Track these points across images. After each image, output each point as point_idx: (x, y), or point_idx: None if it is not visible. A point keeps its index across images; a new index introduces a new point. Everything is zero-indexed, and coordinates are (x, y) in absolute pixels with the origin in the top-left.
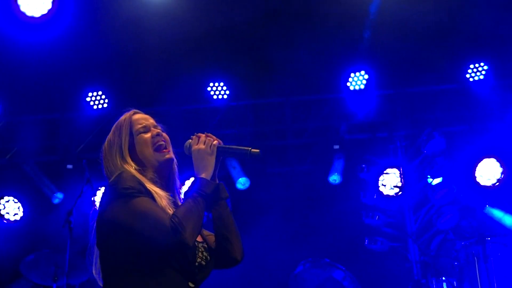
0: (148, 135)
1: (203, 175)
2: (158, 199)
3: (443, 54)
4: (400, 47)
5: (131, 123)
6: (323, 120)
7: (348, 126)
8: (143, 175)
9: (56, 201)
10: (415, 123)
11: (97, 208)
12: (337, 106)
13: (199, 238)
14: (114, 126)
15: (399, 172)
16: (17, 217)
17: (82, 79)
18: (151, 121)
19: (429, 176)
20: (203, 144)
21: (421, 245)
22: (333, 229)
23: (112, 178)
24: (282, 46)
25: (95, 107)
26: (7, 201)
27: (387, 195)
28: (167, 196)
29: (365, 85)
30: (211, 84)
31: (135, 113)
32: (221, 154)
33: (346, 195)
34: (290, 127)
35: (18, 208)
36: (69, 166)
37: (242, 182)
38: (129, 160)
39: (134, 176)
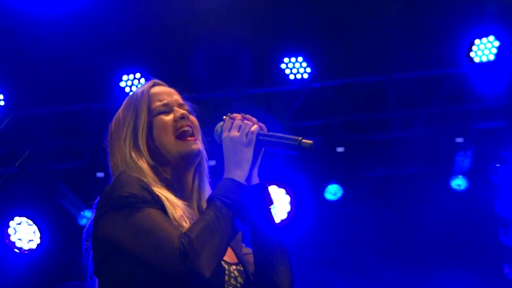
0: (169, 116)
1: (233, 175)
2: (170, 209)
3: None
4: None
5: (149, 98)
6: (439, 105)
7: (475, 111)
8: (157, 174)
9: (83, 221)
10: None
11: (89, 225)
12: (457, 85)
13: (231, 258)
14: (125, 101)
15: None
16: (33, 245)
17: (113, 59)
18: (176, 97)
19: None
20: (237, 129)
21: None
22: (458, 251)
23: (107, 186)
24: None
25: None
26: (19, 223)
27: None
28: (184, 206)
29: (496, 55)
30: (286, 60)
31: (155, 84)
32: (262, 145)
33: (475, 206)
34: (395, 114)
35: (34, 232)
36: (100, 174)
37: (333, 191)
38: (144, 149)
39: (136, 178)
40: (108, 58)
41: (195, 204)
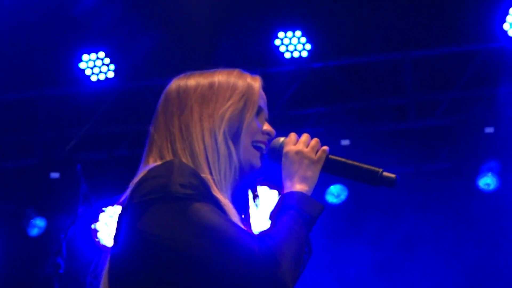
0: (266, 124)
1: (301, 189)
2: (229, 214)
3: None
4: None
5: (260, 97)
6: (465, 89)
7: (509, 95)
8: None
9: (34, 232)
10: None
11: (116, 241)
12: (488, 64)
13: None
14: (226, 76)
15: None
16: None
17: (71, 37)
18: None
19: None
20: (305, 145)
21: None
22: (487, 266)
23: (149, 170)
24: None
25: (93, 78)
26: None
27: None
28: (237, 215)
29: None
30: (281, 35)
31: (260, 82)
32: (328, 169)
33: (507, 210)
34: (413, 99)
35: None
36: (54, 175)
37: (335, 193)
38: (237, 147)
39: (196, 172)
40: (64, 35)
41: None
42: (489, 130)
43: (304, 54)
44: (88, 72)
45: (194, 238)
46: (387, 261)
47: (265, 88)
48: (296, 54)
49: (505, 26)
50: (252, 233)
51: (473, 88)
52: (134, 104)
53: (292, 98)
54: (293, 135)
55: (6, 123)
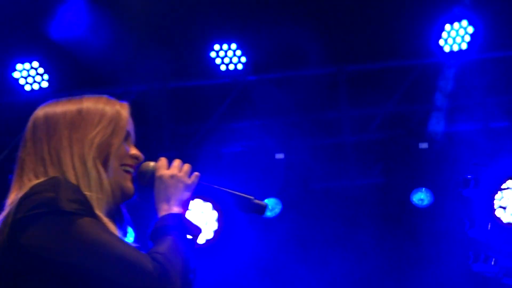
0: (133, 148)
1: (181, 211)
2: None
3: None
4: None
5: (127, 123)
6: (400, 102)
7: (443, 110)
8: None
9: None
10: None
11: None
12: (423, 79)
13: None
14: (95, 102)
15: None
16: None
17: (3, 43)
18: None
19: None
20: (179, 170)
21: None
22: (422, 279)
23: (34, 185)
24: None
25: (27, 87)
26: None
27: (508, 224)
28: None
29: (468, 43)
30: (217, 48)
31: (128, 108)
32: (200, 192)
33: (441, 225)
34: (347, 114)
35: None
36: None
37: (269, 206)
38: (103, 173)
39: (78, 188)
40: None
41: None
42: (424, 145)
43: (240, 66)
44: (22, 81)
45: (86, 253)
46: (316, 271)
47: (198, 100)
48: (231, 67)
49: (441, 42)
50: (139, 249)
51: (408, 103)
52: None
53: (227, 110)
54: (163, 160)
55: None
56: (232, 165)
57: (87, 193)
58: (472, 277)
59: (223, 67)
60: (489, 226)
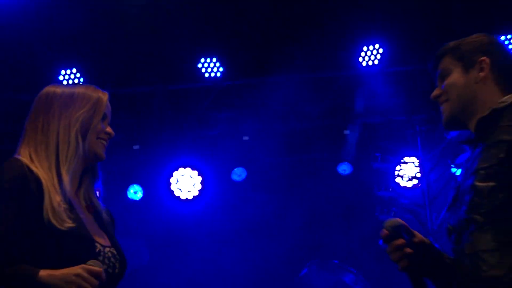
0: (108, 127)
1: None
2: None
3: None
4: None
5: (106, 107)
6: (330, 102)
7: (360, 108)
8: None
9: None
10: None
11: None
12: (347, 86)
13: (105, 242)
14: (79, 90)
15: (418, 161)
16: None
17: (53, 55)
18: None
19: (453, 166)
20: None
21: (443, 245)
22: (342, 227)
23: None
24: (284, 18)
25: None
26: None
27: (405, 187)
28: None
29: (379, 60)
30: (202, 60)
31: (107, 96)
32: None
33: (358, 188)
34: (294, 108)
35: None
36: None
37: (238, 173)
38: (85, 141)
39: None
40: (48, 54)
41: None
42: (347, 132)
43: (218, 74)
44: (64, 82)
45: None
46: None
47: (190, 98)
48: (212, 74)
49: (360, 59)
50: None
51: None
52: None
53: (209, 105)
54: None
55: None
56: (213, 143)
57: (62, 159)
58: (378, 224)
59: (206, 75)
60: (390, 188)
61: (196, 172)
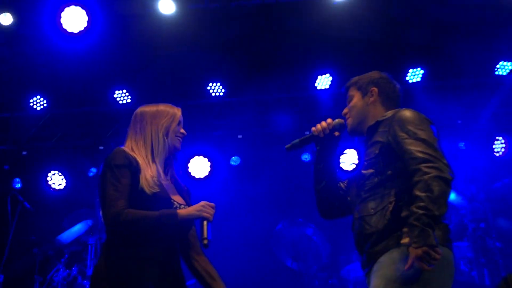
0: (182, 130)
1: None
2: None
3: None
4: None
5: (179, 119)
6: (296, 114)
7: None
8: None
9: (90, 174)
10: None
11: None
12: (310, 104)
13: (180, 201)
14: (163, 108)
15: (356, 152)
16: (61, 186)
17: (110, 80)
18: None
19: None
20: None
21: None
22: (306, 196)
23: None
24: (263, 53)
25: (120, 102)
26: (54, 174)
27: (347, 170)
28: (158, 174)
29: (330, 85)
30: (210, 84)
31: (180, 110)
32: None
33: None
34: (272, 118)
35: (62, 179)
36: (101, 148)
37: (234, 160)
38: (166, 139)
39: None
40: (107, 79)
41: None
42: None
43: (221, 94)
44: (118, 99)
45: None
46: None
47: (202, 109)
48: (217, 94)
49: (316, 83)
50: (126, 196)
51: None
52: None
53: (215, 115)
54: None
55: (75, 121)
56: (217, 140)
57: (155, 149)
58: None
59: (213, 94)
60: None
61: (206, 159)
